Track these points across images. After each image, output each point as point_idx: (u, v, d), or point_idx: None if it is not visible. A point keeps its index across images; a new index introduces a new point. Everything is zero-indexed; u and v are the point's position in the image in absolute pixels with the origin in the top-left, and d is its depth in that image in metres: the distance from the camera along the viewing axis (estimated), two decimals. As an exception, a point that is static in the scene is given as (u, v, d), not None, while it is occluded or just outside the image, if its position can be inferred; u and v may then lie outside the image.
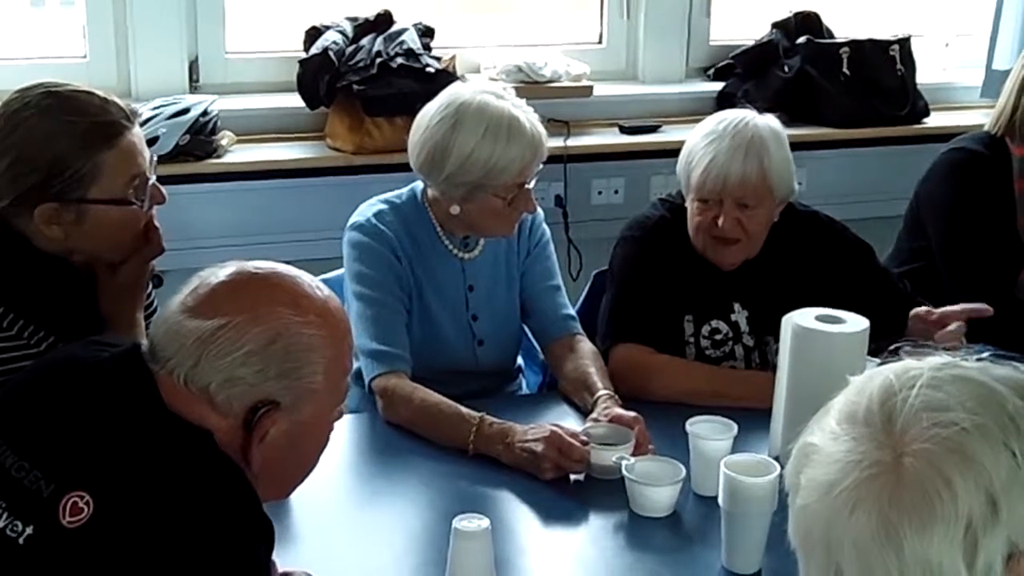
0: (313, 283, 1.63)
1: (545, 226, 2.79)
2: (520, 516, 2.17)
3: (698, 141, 2.66)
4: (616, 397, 2.46)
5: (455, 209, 2.57)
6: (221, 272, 1.60)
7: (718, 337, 2.73)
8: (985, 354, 1.20)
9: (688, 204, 2.71)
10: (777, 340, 2.66)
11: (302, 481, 1.71)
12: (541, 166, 2.59)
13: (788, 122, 2.80)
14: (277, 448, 1.56)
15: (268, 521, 1.53)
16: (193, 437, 1.51)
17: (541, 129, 2.56)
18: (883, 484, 1.08)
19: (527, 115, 2.55)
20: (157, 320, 1.61)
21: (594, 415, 2.41)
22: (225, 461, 1.52)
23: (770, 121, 2.69)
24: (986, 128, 3.16)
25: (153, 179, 2.10)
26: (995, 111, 3.16)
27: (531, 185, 2.56)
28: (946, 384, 1.11)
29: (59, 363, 1.66)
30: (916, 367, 1.14)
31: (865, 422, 1.11)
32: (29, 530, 1.46)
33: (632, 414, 2.36)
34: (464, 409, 2.37)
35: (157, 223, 2.14)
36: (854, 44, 4.03)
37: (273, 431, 1.55)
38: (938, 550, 1.05)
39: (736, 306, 2.75)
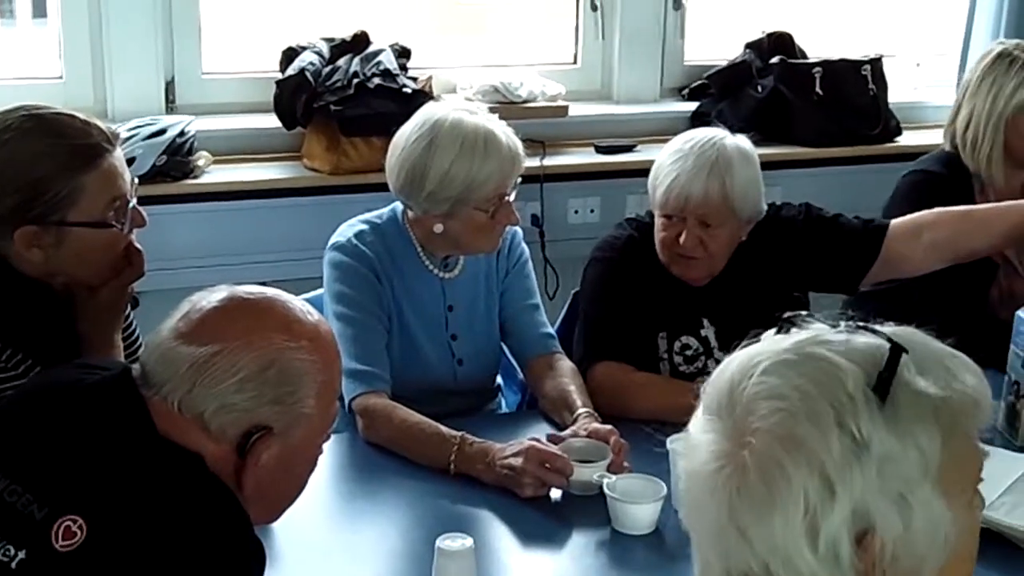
0: (304, 308, 1.64)
1: (524, 245, 2.81)
2: (502, 535, 2.17)
3: (665, 159, 2.68)
4: (596, 415, 2.47)
5: (439, 227, 2.58)
6: (213, 297, 1.60)
7: (689, 353, 2.75)
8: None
9: (655, 220, 2.73)
10: (748, 350, 2.70)
11: (291, 504, 1.71)
12: (520, 179, 2.60)
13: (762, 141, 2.83)
14: (269, 472, 1.56)
15: (260, 544, 1.53)
16: (185, 461, 1.51)
17: (517, 141, 2.58)
18: (729, 474, 1.12)
19: (501, 128, 2.57)
20: (149, 345, 1.61)
21: (572, 430, 2.42)
22: (217, 485, 1.52)
23: (739, 141, 2.70)
24: (942, 146, 3.21)
25: (133, 202, 2.10)
26: (947, 128, 3.20)
27: (512, 197, 2.58)
28: (784, 368, 1.13)
29: (49, 386, 1.65)
30: (762, 352, 1.17)
31: (717, 413, 1.16)
32: (22, 554, 1.45)
33: (608, 427, 2.38)
34: (444, 429, 2.38)
35: (139, 246, 2.14)
36: (827, 64, 4.07)
37: (266, 456, 1.55)
38: (781, 535, 1.09)
39: (705, 322, 2.77)
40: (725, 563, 1.14)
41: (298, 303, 1.64)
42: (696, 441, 1.17)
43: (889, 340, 1.14)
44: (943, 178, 3.14)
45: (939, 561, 1.13)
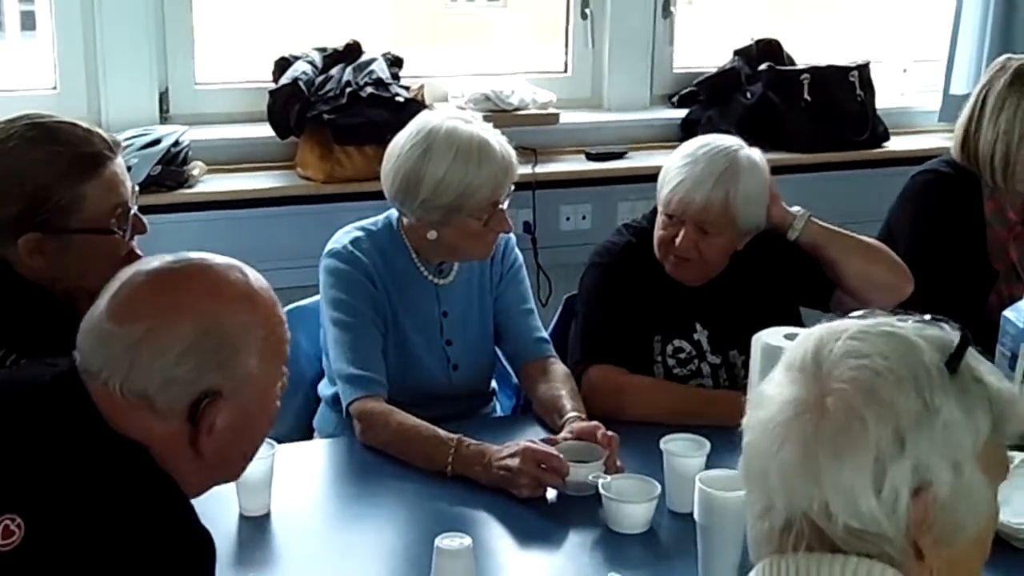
0: (233, 266, 1.61)
1: (518, 251, 2.83)
2: (499, 535, 2.20)
3: (676, 160, 2.71)
4: (585, 418, 2.49)
5: (432, 234, 2.60)
6: (140, 272, 1.58)
7: (682, 356, 2.78)
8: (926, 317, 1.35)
9: (657, 216, 2.76)
10: (741, 354, 2.73)
11: (253, 458, 1.70)
12: (513, 187, 2.63)
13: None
14: (228, 433, 1.55)
15: (206, 533, 1.52)
16: (127, 454, 1.50)
17: (510, 150, 2.61)
18: (807, 421, 1.25)
19: (495, 137, 2.60)
20: (83, 329, 1.57)
21: (562, 435, 2.44)
22: (159, 477, 1.51)
23: (753, 154, 2.72)
24: (951, 154, 3.23)
25: (135, 209, 2.13)
26: (962, 145, 3.22)
27: (505, 205, 2.61)
28: (871, 337, 1.28)
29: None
30: (849, 323, 1.31)
31: (799, 368, 1.28)
32: None
33: (593, 423, 2.41)
34: (442, 431, 2.40)
35: (140, 252, 2.16)
36: (814, 70, 4.10)
37: (220, 420, 1.54)
38: (850, 476, 1.22)
39: (697, 325, 2.79)
40: (789, 503, 1.25)
41: (224, 263, 1.61)
42: (773, 393, 1.29)
43: (960, 330, 1.31)
44: (953, 179, 3.17)
45: (973, 531, 1.27)
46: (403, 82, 3.65)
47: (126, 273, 1.58)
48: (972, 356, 1.29)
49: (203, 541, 1.52)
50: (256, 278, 1.63)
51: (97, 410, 1.51)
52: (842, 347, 1.27)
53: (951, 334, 1.31)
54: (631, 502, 2.19)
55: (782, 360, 1.32)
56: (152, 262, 1.60)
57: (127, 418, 1.51)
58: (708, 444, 2.28)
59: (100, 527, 1.45)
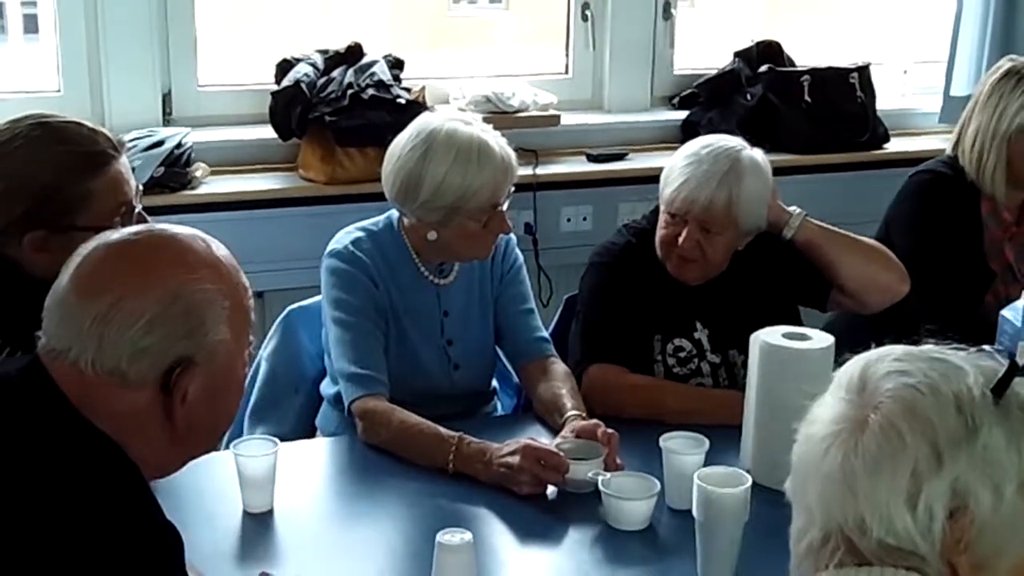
0: (195, 236, 1.61)
1: (518, 251, 2.84)
2: (500, 532, 2.21)
3: (679, 160, 2.73)
4: (585, 417, 2.50)
5: (432, 235, 2.62)
6: (102, 245, 1.57)
7: (682, 355, 2.79)
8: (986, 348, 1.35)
9: (659, 215, 2.78)
10: (740, 353, 2.75)
11: (227, 430, 1.70)
12: (513, 188, 2.65)
13: (750, 148, 2.88)
14: (200, 403, 1.55)
15: (173, 530, 1.52)
16: (95, 451, 1.48)
17: (510, 151, 2.62)
18: (849, 435, 1.27)
19: (495, 139, 2.61)
20: (48, 306, 1.55)
21: (563, 434, 2.46)
22: (128, 473, 1.50)
23: (756, 155, 2.74)
24: (947, 153, 3.26)
25: (139, 208, 2.15)
26: (954, 140, 3.25)
27: (504, 207, 2.62)
28: (916, 359, 1.29)
29: None
30: (896, 347, 1.33)
31: (847, 388, 1.30)
32: None
33: (594, 421, 2.43)
34: (443, 430, 2.41)
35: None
36: (815, 72, 4.12)
37: (192, 388, 1.53)
38: (886, 491, 1.22)
39: (698, 324, 2.81)
40: (826, 517, 1.27)
41: (186, 232, 1.61)
42: (821, 413, 1.32)
43: (1009, 358, 1.31)
44: (950, 179, 3.20)
45: (1013, 559, 1.26)
46: (404, 84, 3.67)
47: (88, 247, 1.57)
48: (1021, 384, 1.29)
49: (169, 537, 1.51)
50: (218, 247, 1.62)
51: (64, 398, 1.50)
52: (887, 367, 1.30)
53: (999, 363, 1.31)
54: (631, 499, 2.20)
55: (832, 382, 1.35)
56: (113, 235, 1.59)
57: (97, 397, 1.50)
58: (707, 442, 2.30)
59: (65, 526, 1.43)
